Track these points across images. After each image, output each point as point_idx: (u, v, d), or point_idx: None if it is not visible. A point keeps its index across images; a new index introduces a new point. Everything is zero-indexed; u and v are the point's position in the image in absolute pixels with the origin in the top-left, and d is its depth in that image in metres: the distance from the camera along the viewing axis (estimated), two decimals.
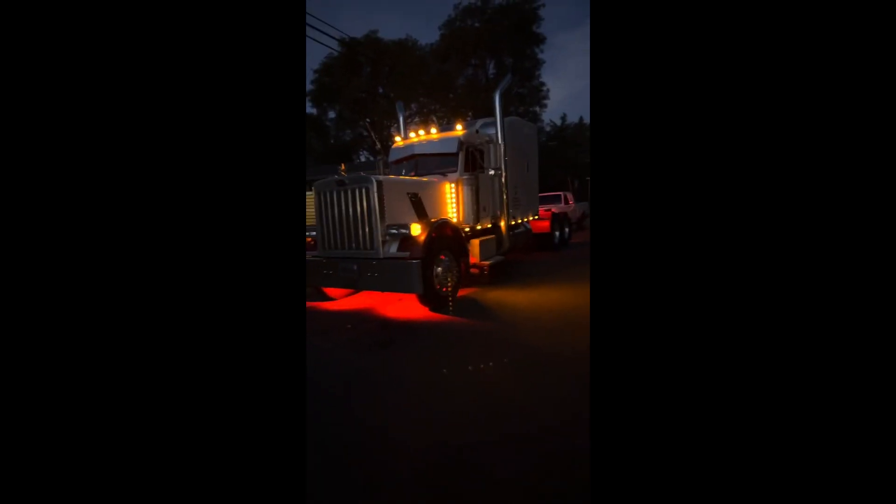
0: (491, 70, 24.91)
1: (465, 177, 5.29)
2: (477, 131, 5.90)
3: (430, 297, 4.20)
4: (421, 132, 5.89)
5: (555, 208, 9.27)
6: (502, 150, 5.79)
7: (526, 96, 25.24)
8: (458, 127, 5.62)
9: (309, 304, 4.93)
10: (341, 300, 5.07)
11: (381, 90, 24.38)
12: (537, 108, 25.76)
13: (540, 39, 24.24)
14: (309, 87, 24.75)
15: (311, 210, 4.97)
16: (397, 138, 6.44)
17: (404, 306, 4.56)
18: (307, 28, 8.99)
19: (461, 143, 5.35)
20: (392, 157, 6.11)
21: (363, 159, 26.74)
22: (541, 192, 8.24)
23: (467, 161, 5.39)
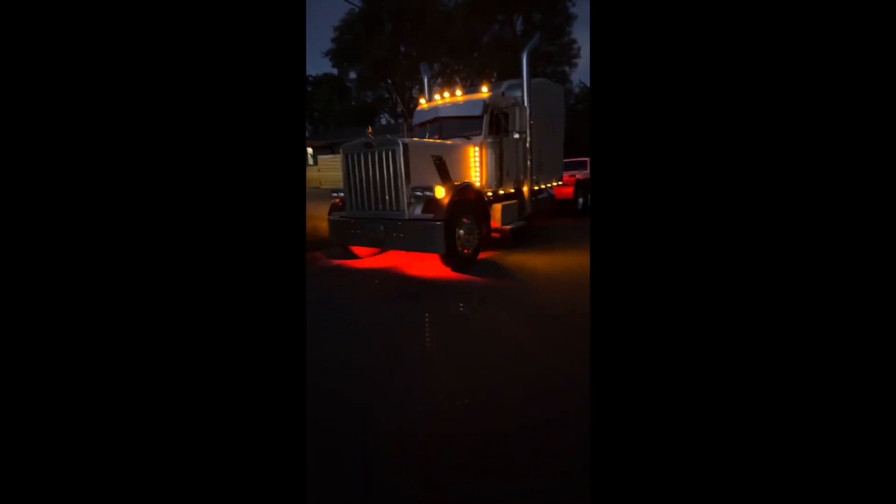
0: (518, 27, 23.65)
1: (489, 140, 5.31)
2: (503, 93, 5.83)
3: (452, 258, 4.39)
4: (446, 94, 5.87)
5: (580, 174, 9.13)
6: (528, 113, 5.73)
7: (555, 54, 23.97)
8: (484, 89, 5.57)
9: (337, 262, 5.22)
10: (368, 259, 5.34)
11: (403, 49, 23.66)
12: (567, 68, 24.57)
13: None
14: (329, 45, 24.29)
15: (338, 173, 5.15)
16: (422, 100, 6.43)
17: (427, 266, 4.78)
18: None
19: (486, 105, 5.33)
20: (416, 120, 6.15)
21: (384, 122, 26.52)
22: (567, 157, 8.12)
23: (492, 124, 5.38)
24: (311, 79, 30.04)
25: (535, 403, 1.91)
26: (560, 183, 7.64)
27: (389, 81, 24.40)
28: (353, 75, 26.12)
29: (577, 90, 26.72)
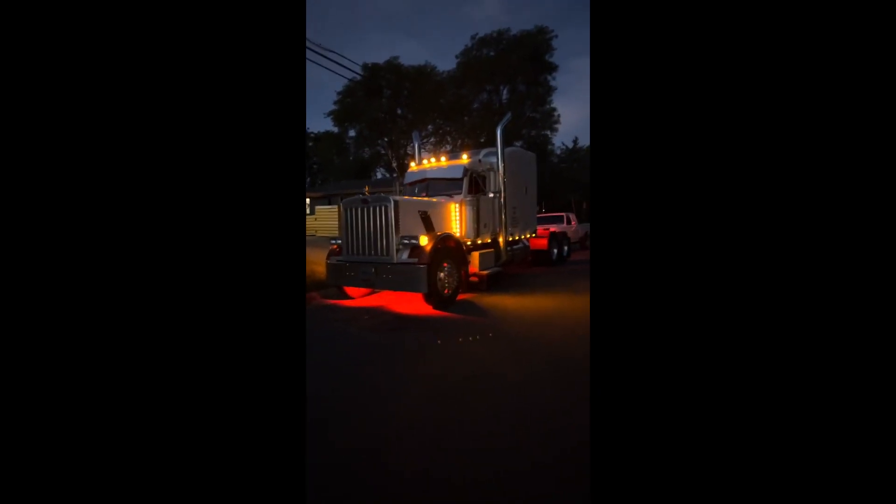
0: (505, 95, 26.24)
1: (467, 199, 6.24)
2: (479, 160, 6.87)
3: (434, 297, 5.08)
4: (432, 159, 6.91)
5: (554, 227, 10.10)
6: (501, 176, 6.74)
7: (538, 121, 26.42)
8: (464, 156, 6.62)
9: (332, 301, 5.85)
10: (359, 299, 5.99)
11: (399, 111, 25.89)
12: (549, 132, 26.92)
13: (552, 68, 25.52)
14: (331, 107, 26.49)
15: (335, 222, 5.96)
16: (412, 164, 7.48)
17: (412, 305, 5.45)
18: (330, 59, 10.08)
19: (466, 170, 6.33)
20: (407, 180, 7.13)
21: (379, 176, 28.20)
22: (549, 212, 9.05)
23: (471, 185, 6.35)
24: (312, 135, 32.20)
25: (488, 407, 2.53)
26: (534, 235, 8.55)
27: (386, 140, 26.38)
28: (351, 133, 28.18)
29: (558, 151, 29.09)
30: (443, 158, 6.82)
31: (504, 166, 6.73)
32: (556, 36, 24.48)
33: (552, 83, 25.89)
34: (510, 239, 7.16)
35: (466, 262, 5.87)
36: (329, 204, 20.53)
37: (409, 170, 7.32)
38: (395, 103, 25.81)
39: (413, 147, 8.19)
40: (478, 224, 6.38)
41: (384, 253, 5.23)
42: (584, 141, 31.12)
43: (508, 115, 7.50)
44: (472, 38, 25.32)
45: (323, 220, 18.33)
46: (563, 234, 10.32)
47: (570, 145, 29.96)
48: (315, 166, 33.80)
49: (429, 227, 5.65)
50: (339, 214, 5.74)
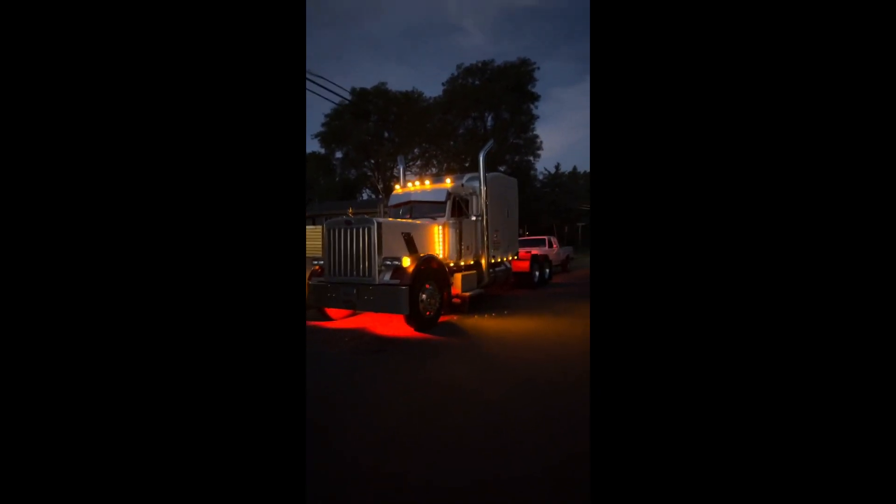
0: (489, 122, 27.07)
1: (450, 221, 6.35)
2: (463, 184, 7.04)
3: (416, 319, 5.08)
4: (416, 183, 7.05)
5: (536, 250, 10.29)
6: (484, 200, 6.91)
7: (521, 147, 27.25)
8: (448, 180, 6.77)
9: (313, 322, 5.78)
10: (340, 321, 5.93)
11: (386, 135, 26.32)
12: (531, 158, 27.75)
13: (534, 97, 26.56)
14: (319, 129, 26.77)
15: (317, 242, 5.95)
16: (397, 186, 7.60)
17: (393, 326, 5.42)
18: (320, 83, 10.23)
19: (449, 194, 6.48)
20: (391, 202, 7.22)
21: (365, 197, 28.34)
22: (532, 235, 9.23)
23: (454, 208, 6.48)
24: None
25: (466, 421, 2.55)
26: (516, 257, 8.69)
27: (372, 162, 26.65)
28: (338, 155, 28.40)
29: (541, 176, 29.93)
30: (427, 182, 6.97)
31: (486, 190, 6.90)
32: (538, 68, 25.63)
33: (535, 112, 26.91)
34: (493, 261, 7.26)
35: (449, 284, 5.92)
36: (313, 224, 20.43)
37: (394, 192, 7.44)
38: (382, 127, 26.26)
39: (398, 170, 8.34)
40: (460, 246, 6.48)
41: (366, 274, 5.24)
42: (566, 167, 32.17)
43: (491, 143, 7.75)
44: (458, 67, 26.30)
45: (306, 239, 18.16)
46: (545, 256, 10.51)
47: (552, 171, 30.92)
48: None
49: (412, 248, 5.70)
50: (323, 235, 5.75)
